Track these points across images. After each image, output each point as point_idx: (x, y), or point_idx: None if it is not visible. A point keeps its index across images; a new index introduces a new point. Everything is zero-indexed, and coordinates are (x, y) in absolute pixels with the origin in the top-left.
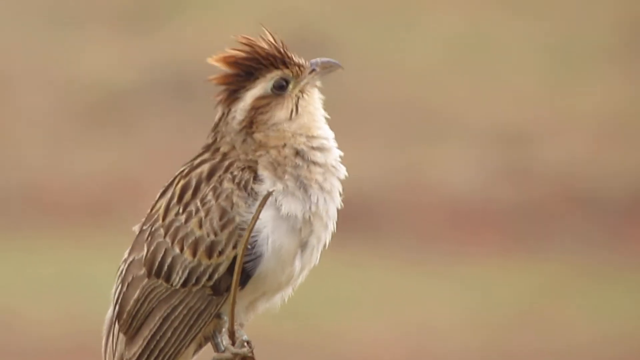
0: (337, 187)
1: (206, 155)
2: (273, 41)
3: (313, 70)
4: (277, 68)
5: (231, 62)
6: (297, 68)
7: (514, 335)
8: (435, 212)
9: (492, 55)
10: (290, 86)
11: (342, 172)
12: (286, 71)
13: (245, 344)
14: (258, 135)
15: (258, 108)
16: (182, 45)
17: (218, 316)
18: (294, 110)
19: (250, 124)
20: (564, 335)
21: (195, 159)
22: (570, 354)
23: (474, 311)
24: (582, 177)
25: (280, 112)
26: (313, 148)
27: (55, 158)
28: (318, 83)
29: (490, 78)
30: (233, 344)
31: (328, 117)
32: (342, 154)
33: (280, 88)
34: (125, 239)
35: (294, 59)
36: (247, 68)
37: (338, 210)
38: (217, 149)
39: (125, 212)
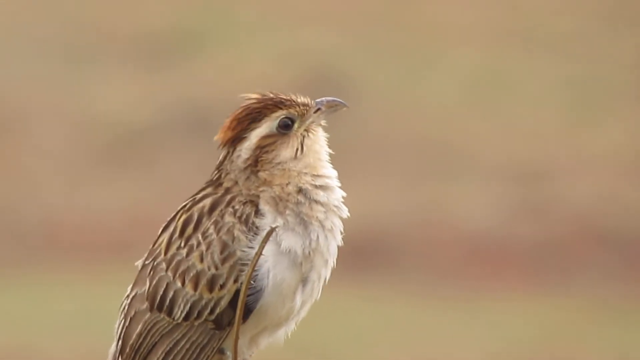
0: (339, 226)
1: (209, 190)
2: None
3: (318, 109)
4: (281, 108)
5: (234, 126)
6: (301, 107)
7: None
8: (454, 248)
9: (510, 92)
10: (296, 125)
11: (345, 212)
12: (291, 110)
13: None
14: (263, 174)
15: (263, 147)
16: (201, 82)
17: (221, 352)
18: (299, 149)
19: (255, 163)
20: None
21: (197, 193)
22: None
23: (493, 348)
24: (601, 214)
25: (286, 151)
26: (316, 187)
27: (74, 195)
28: (323, 122)
29: (508, 115)
30: None
31: (332, 153)
32: (344, 194)
33: (285, 127)
34: None
35: (298, 99)
36: (251, 116)
37: (346, 247)
38: (220, 184)
39: (143, 249)
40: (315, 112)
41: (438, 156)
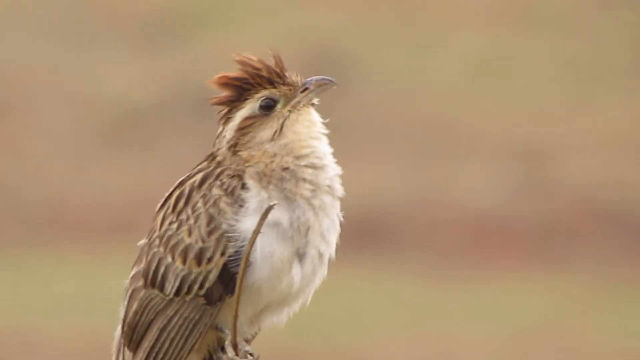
0: (331, 204)
1: (204, 164)
2: (273, 60)
3: (306, 88)
4: (265, 88)
5: (223, 83)
6: (287, 87)
7: (536, 351)
8: (457, 228)
9: (513, 73)
10: (279, 106)
11: (338, 190)
12: (274, 91)
13: (248, 355)
14: (243, 154)
15: (243, 128)
16: (204, 62)
17: (220, 330)
18: (278, 130)
19: (236, 144)
20: (586, 351)
21: (195, 168)
22: None
23: (495, 327)
24: (603, 193)
25: (264, 132)
26: (302, 166)
27: (78, 175)
28: (315, 101)
29: (511, 95)
30: (237, 355)
31: (333, 133)
32: (339, 172)
33: (267, 108)
34: None
35: (284, 78)
36: (238, 89)
37: (349, 227)
38: (214, 158)
39: (146, 229)
40: (302, 91)
41: (441, 136)
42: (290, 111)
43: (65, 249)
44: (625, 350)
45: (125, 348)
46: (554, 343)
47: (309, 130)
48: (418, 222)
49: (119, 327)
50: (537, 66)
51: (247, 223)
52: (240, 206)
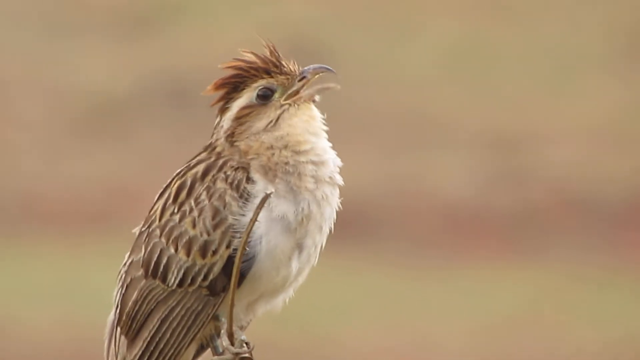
0: (332, 194)
1: (203, 155)
2: (267, 50)
3: (304, 77)
4: (262, 77)
5: (219, 85)
6: (284, 76)
7: (511, 341)
8: (432, 218)
9: (487, 63)
10: (276, 95)
11: (339, 180)
12: (271, 80)
13: (244, 344)
14: (240, 144)
15: (240, 117)
16: (179, 53)
17: (216, 318)
18: (274, 120)
19: (233, 134)
20: (562, 341)
21: (193, 158)
22: (569, 359)
23: (471, 317)
24: (578, 182)
25: (260, 122)
26: (303, 162)
27: (52, 165)
28: (316, 98)
29: (485, 86)
30: (232, 345)
31: (325, 128)
32: (340, 164)
33: (264, 97)
34: (122, 245)
35: (281, 67)
36: (235, 81)
37: (336, 215)
38: (214, 149)
39: (122, 219)
40: (300, 80)
41: (416, 126)
42: (290, 105)
43: (40, 240)
44: (600, 339)
45: (122, 336)
46: (529, 333)
47: (307, 124)
48: (393, 212)
49: (112, 313)
50: (512, 56)
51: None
52: (247, 200)
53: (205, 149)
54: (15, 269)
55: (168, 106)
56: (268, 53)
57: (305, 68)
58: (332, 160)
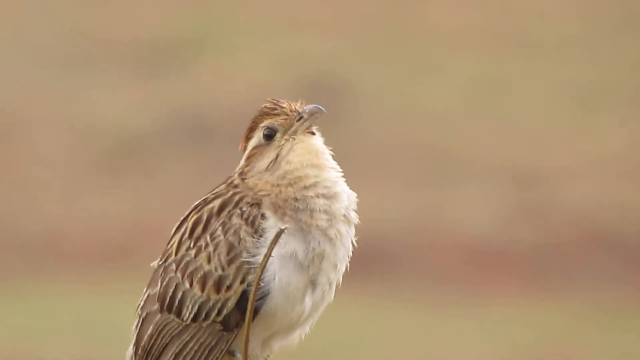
0: (346, 233)
1: (221, 188)
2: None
3: (301, 117)
4: (267, 118)
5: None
6: (283, 117)
7: None
8: (454, 253)
9: (509, 97)
10: (278, 135)
11: (354, 218)
12: (273, 120)
13: None
14: (249, 182)
15: (250, 157)
16: (200, 89)
17: (232, 354)
18: (274, 160)
19: (243, 172)
20: None
21: (212, 191)
22: None
23: (493, 353)
24: (601, 218)
25: (262, 162)
26: (311, 197)
27: (74, 203)
28: (314, 129)
29: (508, 120)
30: None
31: (327, 159)
32: (355, 199)
33: (268, 137)
34: (143, 283)
35: (282, 107)
36: (253, 123)
37: (353, 253)
38: (232, 182)
39: (144, 257)
40: (298, 120)
41: (436, 161)
42: (286, 140)
43: (62, 277)
44: None
45: None
46: None
47: (304, 158)
48: (415, 247)
49: (130, 348)
50: (533, 91)
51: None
52: (260, 236)
53: (224, 181)
54: (37, 305)
55: (189, 143)
56: (271, 98)
57: (305, 107)
58: (345, 194)
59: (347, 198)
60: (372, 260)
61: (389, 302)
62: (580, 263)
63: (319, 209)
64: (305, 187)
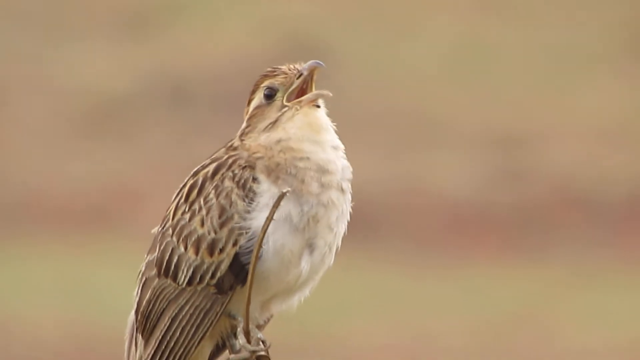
0: (339, 199)
1: (220, 152)
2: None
3: (301, 75)
4: (267, 77)
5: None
6: (283, 76)
7: (513, 339)
8: (435, 216)
9: (488, 61)
10: (279, 94)
11: (348, 190)
12: (273, 80)
13: (261, 342)
14: (246, 142)
15: (251, 117)
16: (180, 53)
17: (233, 317)
18: (273, 123)
19: (244, 133)
20: (564, 339)
21: (211, 155)
22: (571, 357)
23: (472, 315)
24: (580, 181)
25: (262, 123)
26: (303, 168)
27: (53, 165)
28: (320, 102)
29: (487, 84)
30: (249, 343)
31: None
32: (350, 175)
33: (268, 97)
34: (123, 244)
35: (281, 66)
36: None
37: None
38: (232, 146)
39: (123, 218)
40: (298, 77)
41: (417, 125)
42: (289, 107)
43: (41, 239)
44: (602, 336)
45: (139, 335)
46: (530, 330)
47: (303, 132)
48: (395, 210)
49: (132, 313)
50: (513, 55)
51: (258, 217)
52: (252, 200)
53: (224, 145)
54: (17, 268)
55: (168, 105)
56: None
57: (302, 66)
58: (340, 169)
59: (341, 171)
60: (352, 224)
61: (370, 265)
62: (560, 226)
63: (310, 179)
64: (298, 159)
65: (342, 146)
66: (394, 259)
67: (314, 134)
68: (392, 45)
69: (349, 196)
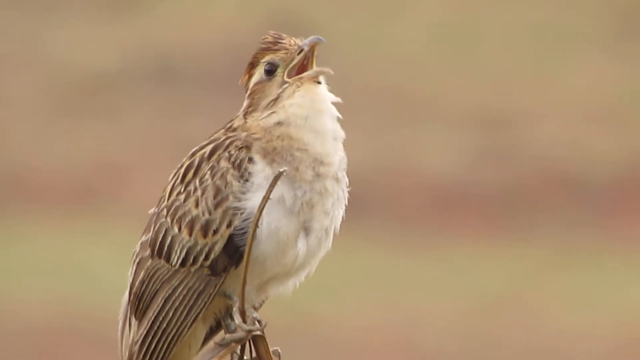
0: (334, 187)
1: (219, 133)
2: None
3: (302, 50)
4: (268, 52)
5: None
6: (284, 51)
7: (499, 319)
8: (419, 195)
9: (475, 39)
10: (279, 70)
11: (343, 179)
12: (273, 55)
13: (256, 322)
14: (249, 121)
15: (252, 94)
16: (166, 29)
17: (228, 297)
18: (274, 100)
19: (247, 111)
20: (550, 319)
21: (210, 136)
22: (556, 338)
23: (457, 294)
24: (565, 160)
25: (264, 100)
26: (299, 157)
27: (38, 143)
28: (321, 79)
29: (473, 62)
30: (244, 322)
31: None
32: (345, 166)
33: (269, 73)
34: (109, 222)
35: (282, 42)
36: (254, 60)
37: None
38: (231, 126)
39: (109, 196)
40: (299, 53)
41: (402, 103)
42: (290, 84)
43: (27, 217)
44: (587, 317)
45: (132, 316)
46: (517, 310)
47: (303, 112)
48: (380, 188)
49: (126, 294)
50: (501, 34)
51: (253, 197)
52: (247, 180)
53: (224, 126)
54: (2, 245)
55: (155, 83)
56: (271, 33)
57: (303, 42)
58: (335, 163)
59: (338, 163)
60: None
61: (354, 243)
62: (546, 206)
63: (305, 168)
64: (295, 149)
65: (342, 135)
66: (379, 238)
67: (316, 120)
68: (378, 23)
69: (344, 184)
